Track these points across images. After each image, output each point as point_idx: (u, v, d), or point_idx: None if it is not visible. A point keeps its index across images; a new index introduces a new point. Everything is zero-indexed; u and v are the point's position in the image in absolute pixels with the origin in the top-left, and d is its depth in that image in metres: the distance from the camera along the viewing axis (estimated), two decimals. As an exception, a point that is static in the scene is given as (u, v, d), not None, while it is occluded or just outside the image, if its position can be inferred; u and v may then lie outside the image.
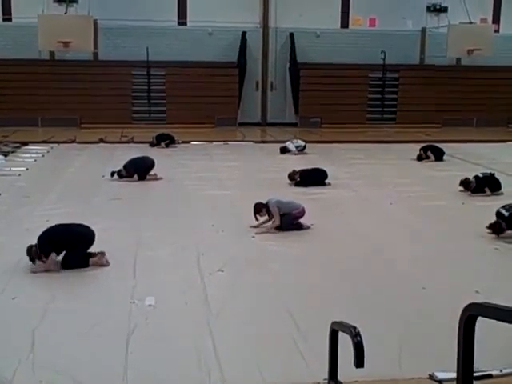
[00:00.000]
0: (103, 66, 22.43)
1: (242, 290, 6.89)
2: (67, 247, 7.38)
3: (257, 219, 9.09)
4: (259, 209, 9.02)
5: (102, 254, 7.44)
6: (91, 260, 7.37)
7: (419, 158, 16.15)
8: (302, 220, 9.26)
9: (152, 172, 13.26)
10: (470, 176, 12.17)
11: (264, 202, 9.09)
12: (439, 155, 16.16)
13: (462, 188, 12.03)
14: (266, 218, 9.13)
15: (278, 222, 9.03)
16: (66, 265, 7.32)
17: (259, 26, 23.78)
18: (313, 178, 12.71)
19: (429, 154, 16.10)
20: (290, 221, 9.14)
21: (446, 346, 4.33)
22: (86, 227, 7.56)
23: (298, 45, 23.48)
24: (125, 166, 13.05)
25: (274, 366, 5.10)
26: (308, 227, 9.28)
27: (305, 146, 17.18)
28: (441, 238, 9.04)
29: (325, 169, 13.06)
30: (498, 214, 9.11)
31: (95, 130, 20.81)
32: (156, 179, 13.16)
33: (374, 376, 4.73)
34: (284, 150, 17.05)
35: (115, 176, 12.96)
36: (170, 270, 7.47)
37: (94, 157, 16.43)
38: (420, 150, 16.37)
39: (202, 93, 22.26)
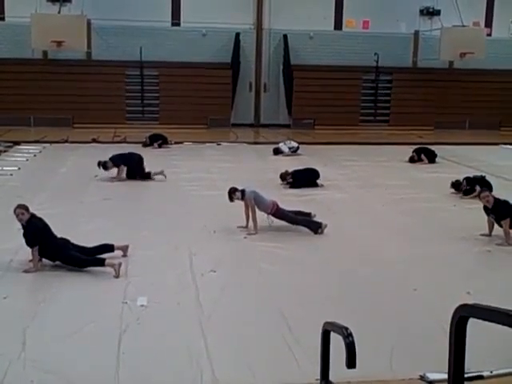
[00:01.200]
0: (96, 65, 22.39)
1: (234, 290, 6.89)
2: (53, 251, 7.36)
3: (232, 200, 9.24)
4: (234, 191, 9.20)
5: (120, 264, 7.20)
6: (107, 261, 7.25)
7: (411, 160, 16.21)
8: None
9: (159, 169, 13.24)
10: (461, 178, 12.23)
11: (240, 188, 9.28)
12: (432, 158, 16.22)
13: (452, 190, 12.10)
14: (239, 200, 9.24)
15: (253, 214, 9.11)
16: (79, 264, 7.29)
17: (253, 28, 23.80)
18: (305, 178, 12.72)
19: (422, 157, 16.15)
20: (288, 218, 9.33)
21: (437, 347, 4.35)
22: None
23: (292, 46, 23.52)
24: (111, 159, 13.01)
25: (265, 367, 5.11)
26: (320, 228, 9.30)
27: (298, 148, 17.20)
28: (432, 240, 9.07)
29: (317, 170, 13.06)
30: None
31: (88, 129, 20.76)
32: (162, 175, 13.09)
33: (366, 377, 4.74)
34: (277, 151, 17.07)
35: (101, 169, 12.90)
36: (162, 270, 7.45)
37: (86, 157, 16.36)
38: (413, 152, 16.42)
39: (196, 93, 22.28)
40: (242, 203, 9.31)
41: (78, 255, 7.32)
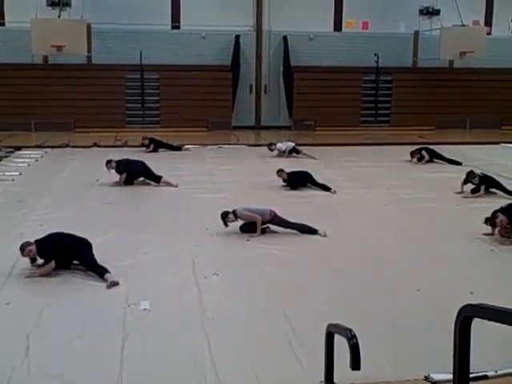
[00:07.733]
0: (97, 69, 22.40)
1: (237, 293, 6.89)
2: (72, 254, 7.39)
3: (226, 225, 9.10)
4: (225, 215, 9.07)
5: (115, 283, 7.03)
6: (107, 275, 7.14)
7: (412, 155, 16.19)
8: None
9: (170, 179, 12.99)
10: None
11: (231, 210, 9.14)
12: (434, 155, 16.20)
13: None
14: (235, 222, 9.12)
15: (255, 218, 9.05)
16: (90, 266, 7.29)
17: (253, 30, 23.81)
18: (299, 179, 12.61)
19: (423, 153, 16.14)
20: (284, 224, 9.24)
21: (442, 348, 4.33)
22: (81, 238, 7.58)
23: (292, 48, 23.54)
24: (118, 162, 13.01)
25: (269, 369, 5.10)
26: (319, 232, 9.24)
27: (294, 148, 17.04)
28: (435, 240, 9.05)
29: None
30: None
31: (89, 134, 20.78)
32: (170, 185, 12.87)
33: (370, 378, 4.73)
34: (271, 148, 17.04)
35: (108, 165, 12.93)
36: (164, 273, 7.44)
37: (87, 161, 16.38)
38: (416, 150, 16.40)
39: (196, 96, 22.27)
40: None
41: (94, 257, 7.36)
